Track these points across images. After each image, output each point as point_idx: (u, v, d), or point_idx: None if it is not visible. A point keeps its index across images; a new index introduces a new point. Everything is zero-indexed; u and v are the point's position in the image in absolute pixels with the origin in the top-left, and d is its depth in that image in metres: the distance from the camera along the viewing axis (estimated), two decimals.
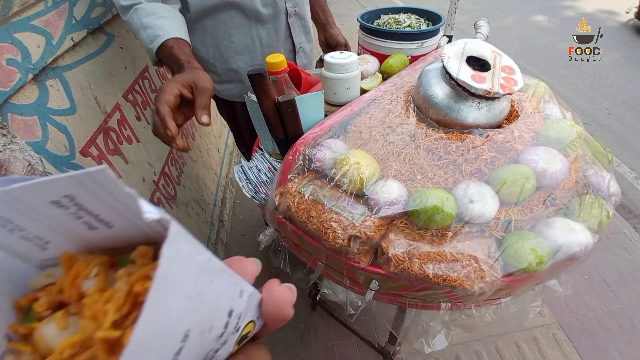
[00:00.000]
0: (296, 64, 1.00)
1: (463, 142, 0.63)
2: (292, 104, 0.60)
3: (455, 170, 0.62)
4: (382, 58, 0.90)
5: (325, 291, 0.73)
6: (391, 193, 0.58)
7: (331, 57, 0.74)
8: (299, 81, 0.85)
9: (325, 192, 0.62)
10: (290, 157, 0.65)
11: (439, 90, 0.67)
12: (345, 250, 0.59)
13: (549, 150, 0.62)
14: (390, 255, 0.56)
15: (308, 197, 0.62)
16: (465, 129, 0.66)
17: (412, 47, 0.89)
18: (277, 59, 0.64)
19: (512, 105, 0.71)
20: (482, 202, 0.56)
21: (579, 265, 0.59)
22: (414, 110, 0.71)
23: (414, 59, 0.90)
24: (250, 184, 0.69)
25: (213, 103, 1.80)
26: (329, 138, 0.67)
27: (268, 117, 0.63)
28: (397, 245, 0.57)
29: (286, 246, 0.74)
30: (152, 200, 1.08)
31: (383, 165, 0.65)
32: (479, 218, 0.56)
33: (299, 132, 0.66)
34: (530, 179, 0.58)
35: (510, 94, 0.62)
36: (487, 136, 0.63)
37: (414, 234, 0.58)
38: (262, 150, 0.78)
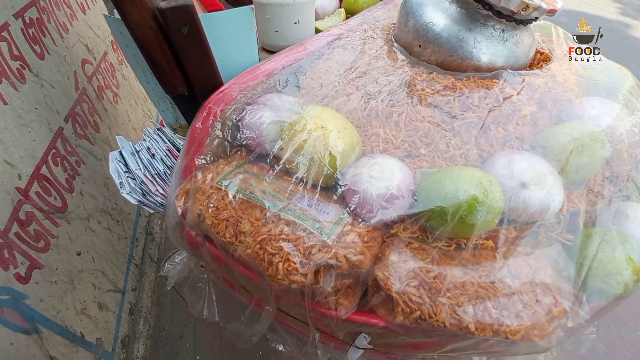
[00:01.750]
0: None
1: (490, 90, 0.37)
2: (188, 15, 0.29)
3: (480, 137, 0.36)
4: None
5: (282, 348, 0.43)
6: (390, 179, 0.30)
7: None
8: None
9: (267, 186, 0.32)
10: (200, 126, 0.34)
11: (440, 15, 0.40)
12: (309, 291, 0.30)
13: (610, 103, 0.39)
14: (394, 294, 0.29)
15: (234, 197, 0.31)
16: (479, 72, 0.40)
17: None
18: None
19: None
20: (541, 186, 0.31)
21: None
22: (400, 52, 0.44)
23: None
24: (134, 178, 0.37)
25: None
26: (269, 93, 0.37)
27: (147, 49, 0.31)
28: (405, 275, 0.29)
29: (212, 278, 0.43)
30: (16, 217, 0.70)
31: (364, 134, 0.37)
32: (542, 214, 0.31)
33: (212, 81, 0.35)
34: (605, 144, 0.34)
35: (554, 12, 0.38)
36: (523, 80, 0.38)
37: (429, 249, 0.31)
38: (164, 127, 0.45)
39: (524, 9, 0.36)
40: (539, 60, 0.46)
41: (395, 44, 0.45)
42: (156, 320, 1.17)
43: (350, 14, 0.57)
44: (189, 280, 0.44)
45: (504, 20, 0.38)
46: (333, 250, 0.28)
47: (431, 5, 0.41)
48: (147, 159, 0.38)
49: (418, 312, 0.28)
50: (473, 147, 0.36)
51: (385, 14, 0.52)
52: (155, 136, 0.41)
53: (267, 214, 0.30)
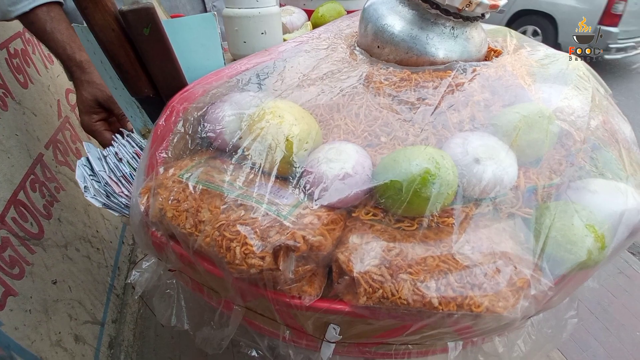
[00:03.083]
0: None
1: (442, 80, 0.39)
2: (149, 17, 0.31)
3: (437, 124, 0.38)
4: (310, 15, 0.67)
5: (255, 354, 0.41)
6: (346, 160, 0.31)
7: None
8: None
9: (227, 177, 0.33)
10: (163, 123, 0.35)
11: (396, 17, 0.44)
12: (270, 278, 0.30)
13: (561, 87, 0.41)
14: (356, 275, 0.29)
15: (194, 188, 0.32)
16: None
17: None
18: None
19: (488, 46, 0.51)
20: (494, 160, 0.32)
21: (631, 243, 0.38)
22: (361, 53, 0.46)
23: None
24: (98, 181, 0.37)
25: None
26: (232, 91, 0.39)
27: (111, 52, 0.33)
28: (367, 254, 0.30)
29: (181, 284, 0.42)
30: None
31: (326, 127, 0.38)
32: (495, 188, 0.31)
33: (176, 82, 0.37)
34: (552, 120, 0.36)
35: (496, 8, 0.41)
36: (474, 71, 0.41)
37: (392, 230, 0.32)
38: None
39: (467, 6, 0.39)
40: (492, 56, 0.49)
41: (357, 48, 0.48)
42: (139, 355, 1.12)
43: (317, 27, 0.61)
44: (159, 288, 0.43)
45: (451, 18, 0.41)
46: (291, 231, 0.28)
47: (386, 10, 0.45)
48: (114, 163, 0.39)
49: (380, 291, 0.28)
50: (431, 132, 0.37)
51: (350, 25, 0.56)
52: (124, 141, 0.42)
53: (227, 199, 0.30)
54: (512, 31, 0.56)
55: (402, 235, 0.31)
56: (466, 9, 0.40)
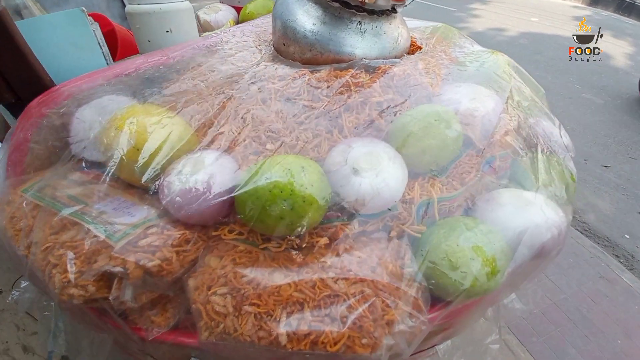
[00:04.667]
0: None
1: (339, 79, 0.35)
2: None
3: (332, 128, 0.34)
4: None
5: None
6: (196, 173, 0.27)
7: None
8: (115, 45, 0.53)
9: (75, 190, 0.28)
10: (17, 131, 0.31)
11: (302, 13, 0.39)
12: (111, 307, 0.25)
13: (474, 86, 0.37)
14: (198, 305, 0.24)
15: (31, 204, 0.28)
16: None
17: None
18: None
19: (413, 43, 0.47)
20: (374, 170, 0.28)
21: (552, 262, 0.33)
22: (270, 54, 0.42)
23: None
24: None
25: None
26: (105, 95, 0.34)
27: None
28: (217, 281, 0.25)
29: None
30: None
31: (209, 133, 0.34)
32: (373, 201, 0.27)
33: (36, 86, 0.33)
34: (452, 123, 0.31)
35: (401, 2, 0.37)
36: (379, 69, 0.37)
37: (257, 251, 0.27)
38: None
39: None
40: (416, 53, 0.45)
41: (269, 46, 0.44)
42: None
43: None
44: (41, 309, 0.39)
45: (354, 11, 0.37)
46: (118, 256, 0.24)
47: (291, 4, 0.40)
48: None
49: (222, 325, 0.24)
50: (324, 139, 0.33)
51: (269, 21, 0.52)
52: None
53: (60, 219, 0.26)
54: (449, 27, 0.52)
55: (266, 258, 0.27)
56: (367, 1, 0.35)
